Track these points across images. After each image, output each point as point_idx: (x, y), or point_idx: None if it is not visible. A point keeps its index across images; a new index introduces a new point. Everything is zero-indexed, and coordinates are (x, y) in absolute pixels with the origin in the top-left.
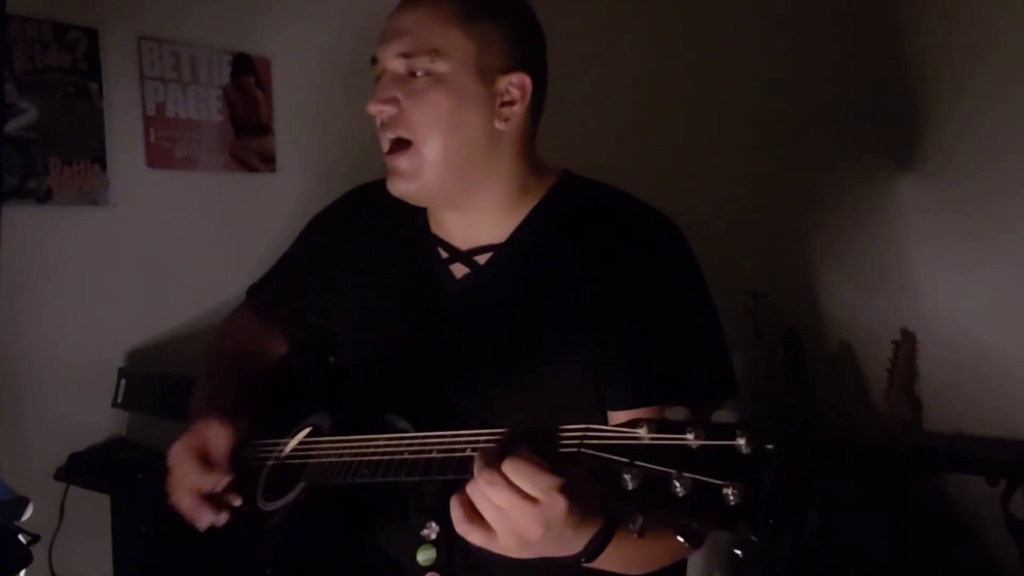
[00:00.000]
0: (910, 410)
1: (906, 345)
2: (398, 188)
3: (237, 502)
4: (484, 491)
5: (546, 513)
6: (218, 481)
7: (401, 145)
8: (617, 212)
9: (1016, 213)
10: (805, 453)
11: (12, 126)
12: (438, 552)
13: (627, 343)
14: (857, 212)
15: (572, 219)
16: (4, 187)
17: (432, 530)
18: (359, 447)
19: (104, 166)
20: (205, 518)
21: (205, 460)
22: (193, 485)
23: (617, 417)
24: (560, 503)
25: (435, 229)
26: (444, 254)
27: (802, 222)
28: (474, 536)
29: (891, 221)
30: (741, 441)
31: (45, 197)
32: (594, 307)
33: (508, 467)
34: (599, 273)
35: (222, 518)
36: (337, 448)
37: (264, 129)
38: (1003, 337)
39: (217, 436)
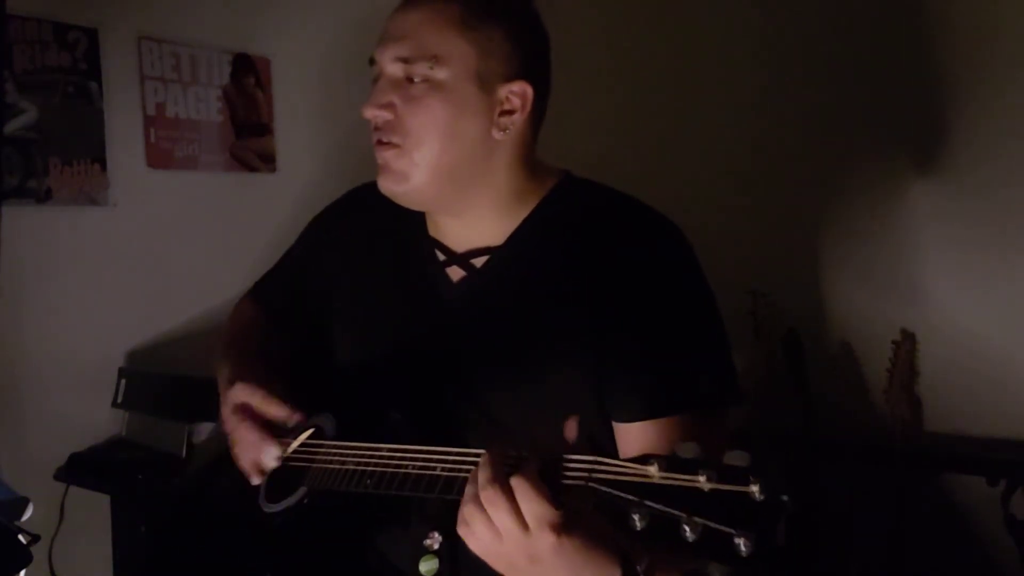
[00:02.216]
0: (910, 410)
1: (906, 345)
2: (387, 187)
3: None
4: (483, 506)
5: (533, 546)
6: (291, 414)
7: (392, 145)
8: (617, 214)
9: (1017, 215)
10: (807, 501)
11: (12, 126)
12: (440, 562)
13: (628, 351)
14: (858, 212)
15: (571, 222)
16: (4, 187)
17: (435, 540)
18: (363, 456)
19: (104, 166)
20: (272, 451)
21: (275, 395)
22: (265, 414)
23: (623, 430)
24: (548, 539)
25: (432, 231)
26: (441, 257)
27: (803, 222)
28: (470, 542)
29: (892, 221)
30: (755, 488)
31: (45, 197)
32: (593, 311)
33: (516, 484)
34: (599, 277)
35: (277, 456)
36: (341, 455)
37: (264, 129)
38: (1003, 337)
39: (275, 386)
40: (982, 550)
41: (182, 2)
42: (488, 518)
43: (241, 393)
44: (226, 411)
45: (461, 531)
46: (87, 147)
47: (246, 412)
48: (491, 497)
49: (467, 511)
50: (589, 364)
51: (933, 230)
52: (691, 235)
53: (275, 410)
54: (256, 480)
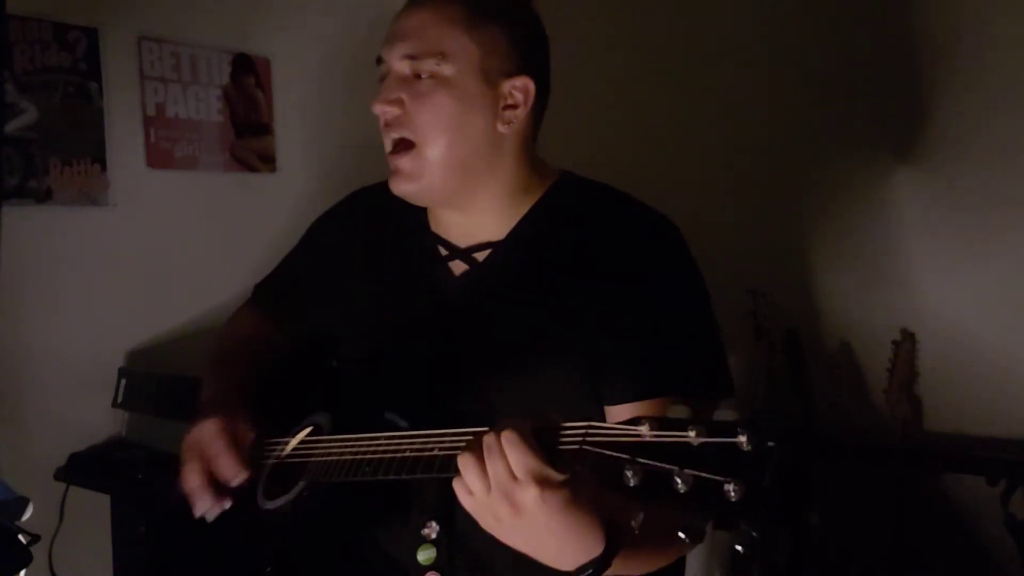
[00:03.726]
0: (910, 410)
1: (906, 345)
2: (400, 188)
3: (228, 504)
4: (478, 453)
5: (518, 497)
6: (238, 475)
7: (404, 145)
8: (614, 210)
9: (1017, 214)
10: (805, 448)
11: (12, 126)
12: (438, 551)
13: (623, 339)
14: (858, 212)
15: (570, 217)
16: (4, 187)
17: (432, 529)
18: (360, 446)
19: (104, 166)
20: (205, 504)
21: (233, 449)
22: (214, 468)
23: (613, 412)
24: (532, 491)
25: (434, 227)
26: (443, 251)
27: (802, 222)
28: (461, 495)
29: (892, 221)
30: (742, 438)
31: (45, 197)
32: (590, 304)
33: (505, 436)
34: (596, 270)
35: (214, 511)
36: (338, 447)
37: (264, 129)
38: (1003, 337)
39: (244, 431)
40: (982, 550)
41: (182, 2)
42: (481, 467)
43: (202, 431)
44: (185, 440)
45: (455, 484)
46: (87, 147)
47: (199, 451)
48: (489, 442)
49: (462, 459)
50: (586, 355)
51: (935, 229)
52: (692, 234)
53: (227, 468)
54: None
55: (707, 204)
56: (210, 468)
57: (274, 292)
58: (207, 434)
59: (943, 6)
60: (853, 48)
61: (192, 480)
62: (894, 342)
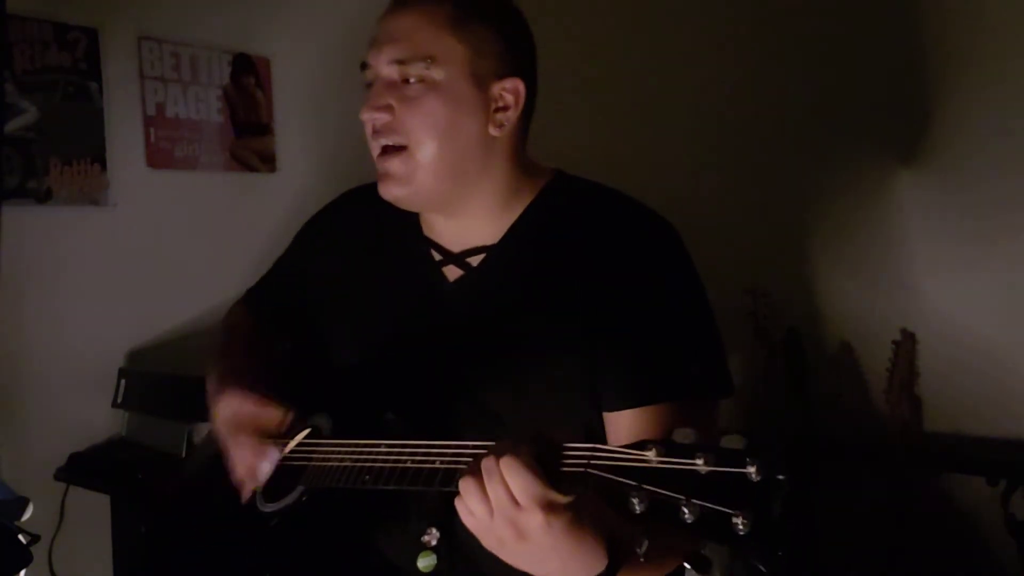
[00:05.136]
0: (910, 410)
1: (906, 345)
2: (390, 192)
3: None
4: (479, 478)
5: (523, 523)
6: (284, 415)
7: (395, 149)
8: (608, 211)
9: (1017, 214)
10: (808, 479)
11: (12, 126)
12: (439, 558)
13: (620, 342)
14: (858, 212)
15: (564, 219)
16: (4, 187)
17: (432, 536)
18: (361, 453)
19: (104, 166)
20: (272, 455)
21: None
22: (258, 420)
23: (613, 419)
24: (537, 517)
25: (427, 232)
26: (437, 256)
27: (803, 222)
28: (464, 516)
29: (892, 221)
30: (751, 469)
31: (45, 197)
32: (587, 306)
33: (504, 463)
34: (591, 272)
35: (272, 464)
36: (338, 452)
37: (264, 129)
38: (1003, 337)
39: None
40: (982, 550)
41: (182, 2)
42: (482, 491)
43: (231, 404)
44: (218, 423)
45: (457, 504)
46: (87, 147)
47: (239, 421)
48: (488, 467)
49: (464, 483)
50: (584, 358)
51: (934, 229)
52: (691, 234)
53: (268, 413)
54: (247, 494)
55: (708, 204)
56: (255, 425)
57: (267, 297)
58: (234, 402)
59: (953, 11)
60: (857, 49)
61: (249, 442)
62: (894, 342)
